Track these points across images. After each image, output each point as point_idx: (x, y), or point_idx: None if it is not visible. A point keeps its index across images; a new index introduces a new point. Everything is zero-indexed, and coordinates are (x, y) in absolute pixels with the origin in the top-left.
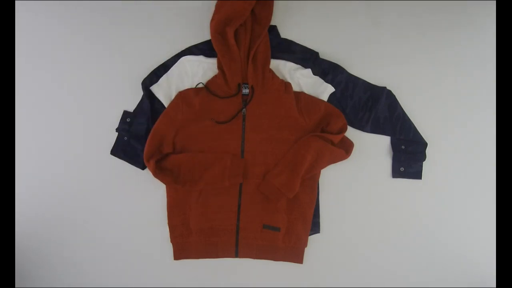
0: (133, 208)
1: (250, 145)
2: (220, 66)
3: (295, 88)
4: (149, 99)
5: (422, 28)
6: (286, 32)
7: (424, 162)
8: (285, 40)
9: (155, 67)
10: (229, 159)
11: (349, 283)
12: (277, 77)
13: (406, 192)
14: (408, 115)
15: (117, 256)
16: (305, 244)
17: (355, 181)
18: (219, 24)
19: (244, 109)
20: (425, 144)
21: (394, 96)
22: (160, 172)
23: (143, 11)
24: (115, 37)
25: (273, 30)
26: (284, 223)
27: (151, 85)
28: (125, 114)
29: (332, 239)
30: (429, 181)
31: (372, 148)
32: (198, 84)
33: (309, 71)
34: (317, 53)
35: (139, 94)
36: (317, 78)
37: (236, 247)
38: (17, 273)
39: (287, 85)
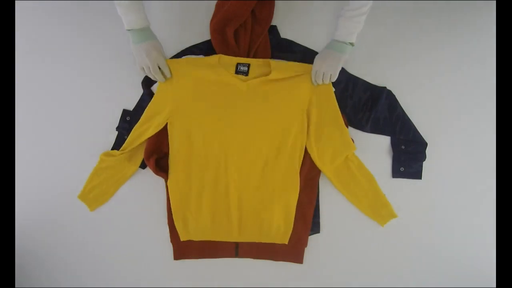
0: (133, 208)
1: None
2: None
3: None
4: (149, 98)
5: (422, 28)
6: (286, 32)
7: (424, 162)
8: (285, 40)
9: None
10: None
11: (349, 283)
12: None
13: (406, 192)
14: (408, 115)
15: (117, 256)
16: (305, 244)
17: None
18: (219, 24)
19: None
20: (425, 144)
21: (394, 96)
22: (160, 170)
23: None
24: (115, 36)
25: (273, 30)
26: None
27: (152, 84)
28: (125, 112)
29: (332, 239)
30: (429, 181)
31: (372, 148)
32: None
33: None
34: (317, 53)
35: (139, 93)
36: None
37: (236, 247)
38: (17, 273)
39: None
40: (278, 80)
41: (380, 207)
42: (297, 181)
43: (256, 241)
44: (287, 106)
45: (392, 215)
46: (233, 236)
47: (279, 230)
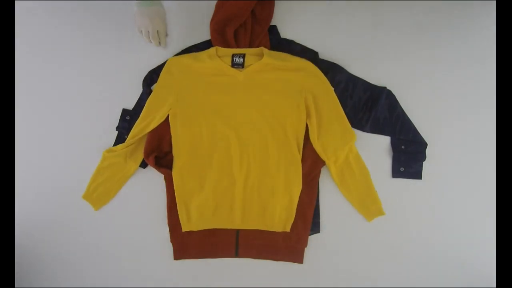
0: (133, 208)
1: None
2: None
3: None
4: (148, 97)
5: (422, 28)
6: (286, 32)
7: (424, 162)
8: (285, 40)
9: (155, 66)
10: None
11: (349, 283)
12: None
13: (406, 192)
14: (408, 115)
15: (117, 256)
16: (305, 244)
17: None
18: (218, 24)
19: None
20: (425, 144)
21: (394, 96)
22: (160, 167)
23: None
24: (115, 36)
25: (273, 30)
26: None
27: (152, 83)
28: (125, 112)
29: (332, 239)
30: (429, 181)
31: (372, 148)
32: None
33: None
34: (316, 53)
35: (138, 92)
36: None
37: (236, 247)
38: (17, 273)
39: None
40: (273, 70)
41: (370, 202)
42: (299, 168)
43: (259, 229)
44: (284, 95)
45: (380, 212)
46: (236, 223)
47: (281, 218)
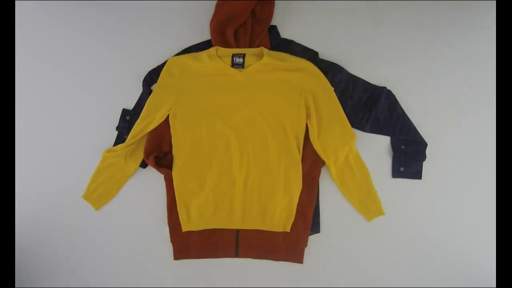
0: (133, 208)
1: None
2: None
3: None
4: (148, 97)
5: (422, 27)
6: (286, 32)
7: (424, 162)
8: (285, 40)
9: (155, 66)
10: None
11: (349, 283)
12: None
13: (406, 192)
14: (408, 115)
15: (117, 256)
16: (305, 244)
17: None
18: (219, 24)
19: None
20: (425, 144)
21: (394, 96)
22: (160, 167)
23: (144, 11)
24: (115, 37)
25: (273, 30)
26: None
27: (152, 83)
28: (125, 112)
29: (332, 239)
30: (429, 181)
31: (372, 148)
32: None
33: None
34: (316, 53)
35: (138, 92)
36: None
37: (236, 247)
38: (17, 273)
39: None
40: (273, 70)
41: (370, 202)
42: (299, 169)
43: (259, 229)
44: (283, 95)
45: (380, 212)
46: (236, 223)
47: (281, 218)
